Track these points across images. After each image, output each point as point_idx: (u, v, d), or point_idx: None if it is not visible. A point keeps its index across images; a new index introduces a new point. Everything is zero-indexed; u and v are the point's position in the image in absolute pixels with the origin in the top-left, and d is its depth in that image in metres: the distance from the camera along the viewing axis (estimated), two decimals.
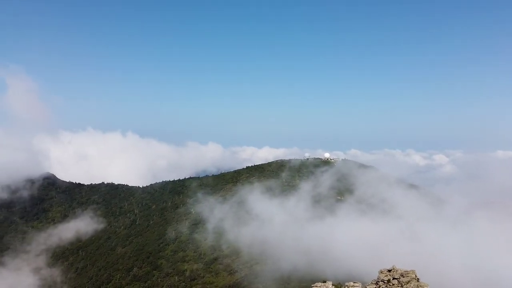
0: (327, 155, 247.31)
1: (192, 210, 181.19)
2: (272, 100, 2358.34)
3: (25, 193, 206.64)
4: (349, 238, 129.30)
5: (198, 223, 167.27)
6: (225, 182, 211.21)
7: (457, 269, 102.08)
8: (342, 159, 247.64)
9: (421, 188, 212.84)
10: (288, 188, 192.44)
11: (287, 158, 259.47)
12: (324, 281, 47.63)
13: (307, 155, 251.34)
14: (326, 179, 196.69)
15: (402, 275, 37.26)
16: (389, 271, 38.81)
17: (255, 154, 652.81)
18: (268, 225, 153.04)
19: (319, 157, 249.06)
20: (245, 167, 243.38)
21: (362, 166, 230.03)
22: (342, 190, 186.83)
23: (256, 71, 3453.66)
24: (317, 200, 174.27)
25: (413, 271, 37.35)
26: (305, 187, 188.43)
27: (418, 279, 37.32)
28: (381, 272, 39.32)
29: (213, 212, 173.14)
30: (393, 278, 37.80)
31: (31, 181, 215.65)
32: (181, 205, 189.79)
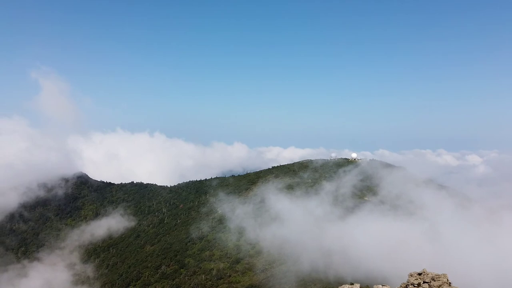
0: (354, 155, 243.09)
1: (218, 210, 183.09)
2: (299, 99, 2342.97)
3: (59, 191, 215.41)
4: (371, 239, 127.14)
5: (223, 223, 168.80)
6: (250, 182, 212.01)
7: (482, 271, 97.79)
8: (370, 159, 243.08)
9: (451, 189, 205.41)
10: (311, 188, 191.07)
11: (313, 158, 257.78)
12: (352, 284, 47.00)
13: (333, 155, 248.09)
14: (350, 179, 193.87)
15: (433, 279, 36.18)
16: (419, 274, 37.76)
17: (281, 154, 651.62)
18: (291, 225, 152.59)
19: (345, 157, 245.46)
20: (270, 167, 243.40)
21: (389, 166, 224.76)
22: (366, 190, 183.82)
23: (282, 69, 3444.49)
24: (340, 200, 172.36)
25: (444, 275, 36.16)
26: (328, 187, 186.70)
27: (450, 283, 36.11)
28: (411, 275, 38.31)
29: (238, 212, 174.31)
30: (424, 282, 36.75)
31: (65, 180, 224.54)
32: (207, 205, 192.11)
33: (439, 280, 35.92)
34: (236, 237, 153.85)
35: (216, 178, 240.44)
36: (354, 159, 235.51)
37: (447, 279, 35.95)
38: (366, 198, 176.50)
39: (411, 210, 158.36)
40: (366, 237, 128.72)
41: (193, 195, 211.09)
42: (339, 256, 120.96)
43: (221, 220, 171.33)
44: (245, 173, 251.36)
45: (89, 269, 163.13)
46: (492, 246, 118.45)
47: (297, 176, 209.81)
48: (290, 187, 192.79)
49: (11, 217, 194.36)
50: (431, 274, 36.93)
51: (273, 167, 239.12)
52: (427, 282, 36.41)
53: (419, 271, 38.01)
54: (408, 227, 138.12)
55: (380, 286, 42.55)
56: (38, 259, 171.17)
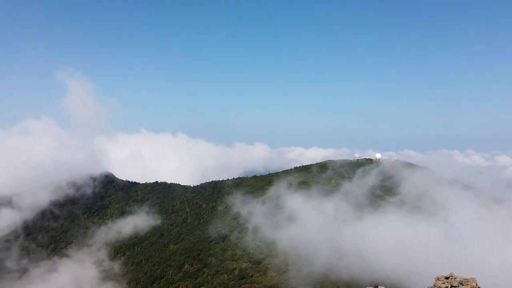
0: (378, 155, 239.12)
1: (239, 210, 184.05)
2: (323, 100, 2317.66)
3: (87, 190, 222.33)
4: (391, 240, 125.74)
5: (245, 223, 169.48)
6: (271, 182, 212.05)
7: (503, 274, 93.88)
8: (394, 160, 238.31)
9: (476, 190, 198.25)
10: (333, 188, 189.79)
11: (335, 158, 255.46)
12: (376, 286, 46.32)
13: (357, 155, 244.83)
14: (370, 180, 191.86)
15: (461, 283, 35.20)
16: (447, 278, 36.82)
17: (303, 154, 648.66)
18: (311, 226, 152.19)
19: (369, 157, 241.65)
20: (292, 167, 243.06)
21: (412, 166, 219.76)
22: (387, 191, 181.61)
23: (306, 69, 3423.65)
24: (361, 201, 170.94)
25: (473, 279, 35.11)
26: (349, 187, 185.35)
27: (479, 287, 35.06)
28: (438, 279, 37.41)
29: (259, 212, 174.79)
30: (451, 286, 35.81)
31: (93, 179, 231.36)
32: (229, 205, 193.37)
33: (468, 284, 34.93)
34: (258, 238, 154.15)
35: (238, 178, 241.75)
36: (378, 160, 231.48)
37: (476, 283, 34.92)
38: (388, 199, 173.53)
39: (432, 211, 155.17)
40: (386, 239, 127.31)
41: (215, 195, 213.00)
42: (358, 257, 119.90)
43: (242, 220, 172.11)
44: (267, 173, 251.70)
45: (115, 266, 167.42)
46: None
47: (317, 176, 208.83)
48: (309, 188, 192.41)
49: (42, 214, 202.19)
50: (459, 278, 35.96)
51: (295, 168, 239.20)
52: (455, 286, 35.48)
53: (446, 274, 37.07)
54: (428, 228, 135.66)
55: None
56: (67, 256, 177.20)
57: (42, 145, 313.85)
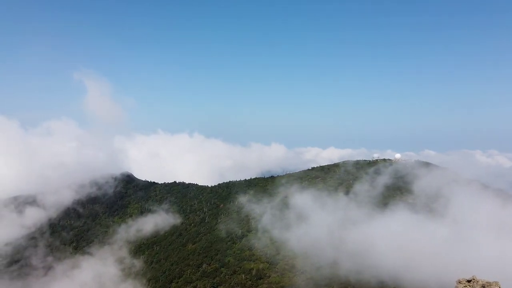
0: (397, 156, 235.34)
1: (256, 210, 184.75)
2: (344, 100, 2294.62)
3: (108, 190, 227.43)
4: (402, 241, 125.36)
5: (262, 223, 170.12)
6: (287, 183, 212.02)
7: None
8: (415, 160, 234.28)
9: (495, 190, 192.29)
10: (346, 188, 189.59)
11: (353, 159, 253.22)
12: None
13: (375, 155, 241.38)
14: (384, 180, 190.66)
15: (483, 287, 34.82)
16: (469, 281, 36.44)
17: (319, 154, 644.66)
18: (326, 226, 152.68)
19: (389, 158, 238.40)
20: (310, 168, 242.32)
21: (429, 166, 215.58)
22: (401, 191, 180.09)
23: (323, 69, 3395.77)
24: (373, 201, 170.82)
25: (496, 283, 34.67)
26: (362, 187, 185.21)
27: None
28: (460, 282, 37.05)
29: (276, 213, 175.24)
30: None
31: (113, 179, 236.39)
32: (247, 205, 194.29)
33: None
34: (276, 238, 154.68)
35: (256, 178, 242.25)
36: (397, 160, 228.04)
37: (499, 287, 34.47)
38: (401, 199, 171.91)
39: (444, 211, 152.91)
40: (394, 239, 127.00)
41: (233, 195, 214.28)
42: (367, 258, 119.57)
43: (259, 221, 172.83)
44: (284, 173, 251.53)
45: (135, 264, 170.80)
46: None
47: (333, 176, 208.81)
48: (323, 188, 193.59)
49: (66, 213, 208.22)
50: (482, 281, 35.56)
51: (311, 168, 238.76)
52: None
53: (468, 277, 36.71)
54: (439, 228, 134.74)
55: None
56: (89, 253, 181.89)
57: (64, 145, 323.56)
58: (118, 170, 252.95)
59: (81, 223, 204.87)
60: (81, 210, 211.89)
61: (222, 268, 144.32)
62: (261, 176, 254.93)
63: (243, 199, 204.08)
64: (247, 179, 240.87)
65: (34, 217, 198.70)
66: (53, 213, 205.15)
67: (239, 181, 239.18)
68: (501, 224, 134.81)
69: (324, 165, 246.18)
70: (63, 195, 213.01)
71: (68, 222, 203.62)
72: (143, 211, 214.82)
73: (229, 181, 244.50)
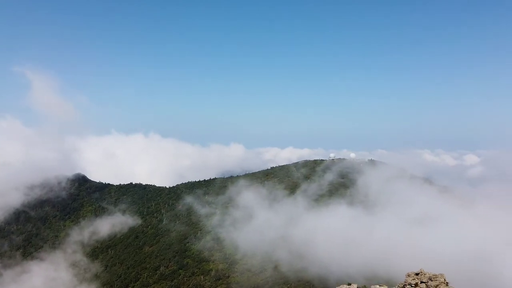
0: (352, 155, 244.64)
1: (216, 211, 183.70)
2: (299, 100, 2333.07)
3: (60, 191, 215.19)
4: (343, 234, 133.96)
5: (222, 224, 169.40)
6: (246, 183, 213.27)
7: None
8: (368, 159, 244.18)
9: (441, 187, 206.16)
10: (295, 187, 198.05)
11: (311, 158, 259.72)
12: (349, 284, 47.47)
13: (332, 155, 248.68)
14: (330, 178, 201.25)
15: (430, 279, 36.74)
16: (417, 274, 38.34)
17: (278, 154, 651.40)
18: (272, 225, 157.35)
19: (344, 157, 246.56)
20: (269, 167, 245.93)
21: (379, 164, 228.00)
22: (344, 188, 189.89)
23: (279, 69, 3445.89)
24: (319, 199, 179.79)
25: (442, 275, 36.74)
26: (309, 186, 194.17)
27: (447, 283, 36.66)
28: (408, 275, 38.90)
29: (237, 212, 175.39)
30: (421, 282, 37.34)
31: (65, 180, 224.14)
32: (206, 206, 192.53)
33: (437, 280, 36.49)
34: (235, 238, 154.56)
35: (215, 178, 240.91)
36: (352, 159, 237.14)
37: (444, 279, 36.53)
38: (344, 195, 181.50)
39: (386, 205, 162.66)
40: (335, 234, 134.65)
41: (192, 196, 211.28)
42: (312, 254, 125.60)
43: (220, 221, 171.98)
44: (243, 173, 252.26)
45: (88, 269, 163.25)
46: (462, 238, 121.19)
47: (290, 176, 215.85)
48: (281, 187, 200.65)
49: (14, 216, 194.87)
50: (429, 274, 37.52)
51: (271, 168, 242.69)
52: (424, 282, 37.01)
53: (416, 270, 38.59)
54: (380, 222, 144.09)
55: (378, 286, 43.13)
56: (39, 258, 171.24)
57: (9, 145, 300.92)
58: (70, 171, 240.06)
59: (31, 227, 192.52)
60: (31, 213, 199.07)
61: (180, 270, 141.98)
62: (221, 177, 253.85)
63: (202, 200, 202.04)
64: (206, 179, 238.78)
65: None
66: (0, 216, 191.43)
67: (198, 181, 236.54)
68: (438, 217, 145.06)
69: (282, 165, 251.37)
70: (10, 197, 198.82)
71: (17, 225, 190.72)
72: (97, 214, 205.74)
73: (188, 182, 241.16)
